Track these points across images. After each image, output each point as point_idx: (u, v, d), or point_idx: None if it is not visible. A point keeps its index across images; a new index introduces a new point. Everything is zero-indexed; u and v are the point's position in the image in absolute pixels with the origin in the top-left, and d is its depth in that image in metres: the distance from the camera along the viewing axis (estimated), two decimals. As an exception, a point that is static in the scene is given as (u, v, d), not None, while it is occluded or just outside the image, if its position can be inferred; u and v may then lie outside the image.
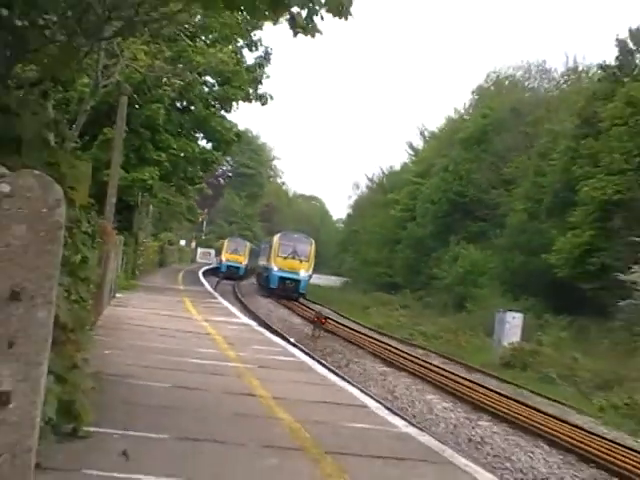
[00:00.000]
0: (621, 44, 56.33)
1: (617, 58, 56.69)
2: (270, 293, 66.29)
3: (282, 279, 64.57)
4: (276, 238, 70.03)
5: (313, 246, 69.32)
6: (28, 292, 6.33)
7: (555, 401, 28.45)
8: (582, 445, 19.91)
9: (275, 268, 65.28)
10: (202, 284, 63.60)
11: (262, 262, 79.11)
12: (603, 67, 58.82)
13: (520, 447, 19.77)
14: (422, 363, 33.00)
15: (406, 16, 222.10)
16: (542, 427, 21.82)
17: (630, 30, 56.23)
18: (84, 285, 12.60)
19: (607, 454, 18.92)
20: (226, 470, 8.82)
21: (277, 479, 8.80)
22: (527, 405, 25.67)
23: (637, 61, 55.63)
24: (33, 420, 6.46)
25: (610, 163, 49.50)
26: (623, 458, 18.56)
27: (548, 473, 17.41)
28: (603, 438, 21.36)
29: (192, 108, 40.92)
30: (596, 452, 19.09)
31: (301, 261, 65.94)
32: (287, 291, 64.95)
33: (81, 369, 10.70)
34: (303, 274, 65.67)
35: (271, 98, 38.79)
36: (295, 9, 11.51)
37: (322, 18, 11.85)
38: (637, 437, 23.41)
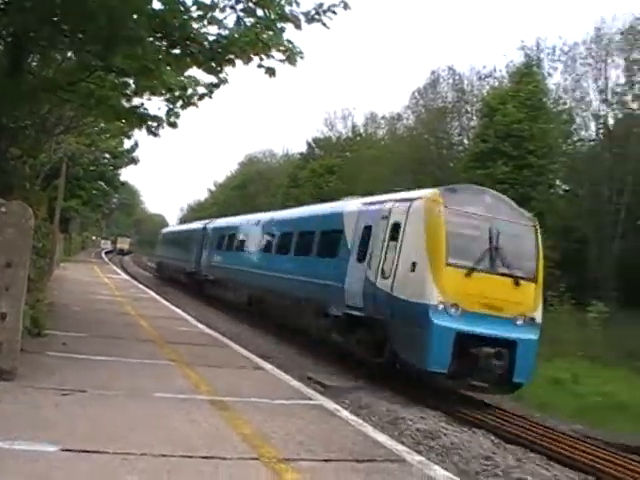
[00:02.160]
0: (308, 145, 60.63)
1: (307, 150, 61.33)
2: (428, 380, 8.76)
3: (467, 345, 7.18)
4: (426, 207, 8.42)
5: (539, 237, 9.16)
6: (15, 262, 6.17)
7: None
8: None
9: (439, 307, 7.16)
10: (103, 258, 60.57)
11: (357, 274, 11.21)
12: (301, 154, 62.59)
13: (258, 337, 19.75)
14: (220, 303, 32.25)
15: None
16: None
17: (313, 138, 60.62)
18: (43, 259, 12.11)
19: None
20: (121, 351, 8.67)
21: (143, 354, 8.73)
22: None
23: (316, 152, 59.04)
24: (18, 327, 6.27)
25: (304, 200, 52.87)
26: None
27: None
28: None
29: (97, 169, 39.41)
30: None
31: (517, 282, 7.99)
32: (484, 378, 8.07)
33: (42, 301, 10.36)
34: (527, 326, 7.73)
35: (139, 160, 37.91)
36: (150, 123, 11.11)
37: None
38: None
